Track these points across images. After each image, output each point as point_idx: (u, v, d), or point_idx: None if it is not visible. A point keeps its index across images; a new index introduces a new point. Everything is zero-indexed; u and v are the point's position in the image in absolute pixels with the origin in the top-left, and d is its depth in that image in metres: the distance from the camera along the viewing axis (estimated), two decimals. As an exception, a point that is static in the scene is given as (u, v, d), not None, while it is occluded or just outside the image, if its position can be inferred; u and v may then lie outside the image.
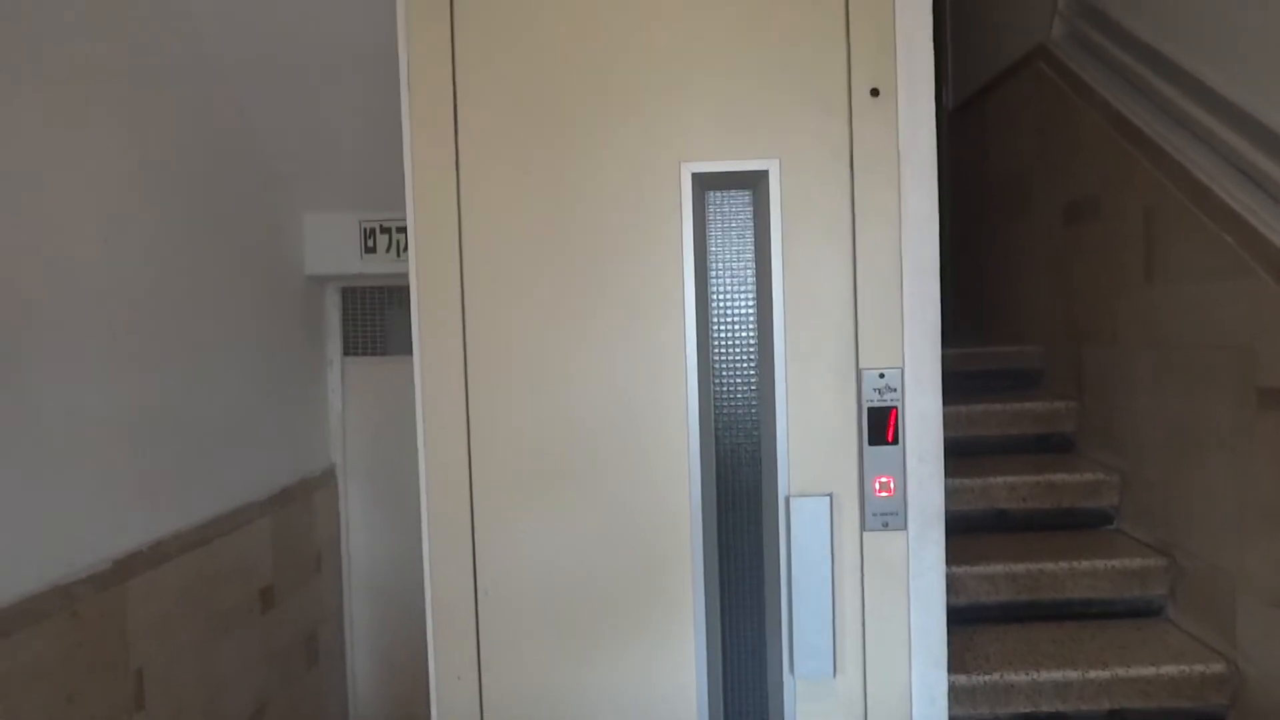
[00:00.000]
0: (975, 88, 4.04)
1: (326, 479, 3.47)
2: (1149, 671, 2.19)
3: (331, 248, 3.33)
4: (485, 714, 1.68)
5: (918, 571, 1.60)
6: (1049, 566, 2.46)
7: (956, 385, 2.85)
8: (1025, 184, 3.44)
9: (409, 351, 1.68)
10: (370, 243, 3.31)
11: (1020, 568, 2.46)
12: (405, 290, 3.52)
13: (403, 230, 3.30)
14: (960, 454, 2.87)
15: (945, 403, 1.63)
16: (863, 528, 1.61)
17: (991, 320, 3.84)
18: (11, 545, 1.84)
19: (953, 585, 2.41)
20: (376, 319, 3.58)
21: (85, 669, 2.02)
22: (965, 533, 2.68)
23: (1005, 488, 2.72)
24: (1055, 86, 3.09)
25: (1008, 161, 3.65)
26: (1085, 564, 2.45)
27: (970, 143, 4.13)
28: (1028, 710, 2.21)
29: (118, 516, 2.18)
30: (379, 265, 3.33)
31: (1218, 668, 2.17)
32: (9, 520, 1.83)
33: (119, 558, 2.14)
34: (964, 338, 3.72)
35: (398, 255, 3.30)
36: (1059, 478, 2.71)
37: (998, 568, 2.47)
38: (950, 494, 2.30)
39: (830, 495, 1.61)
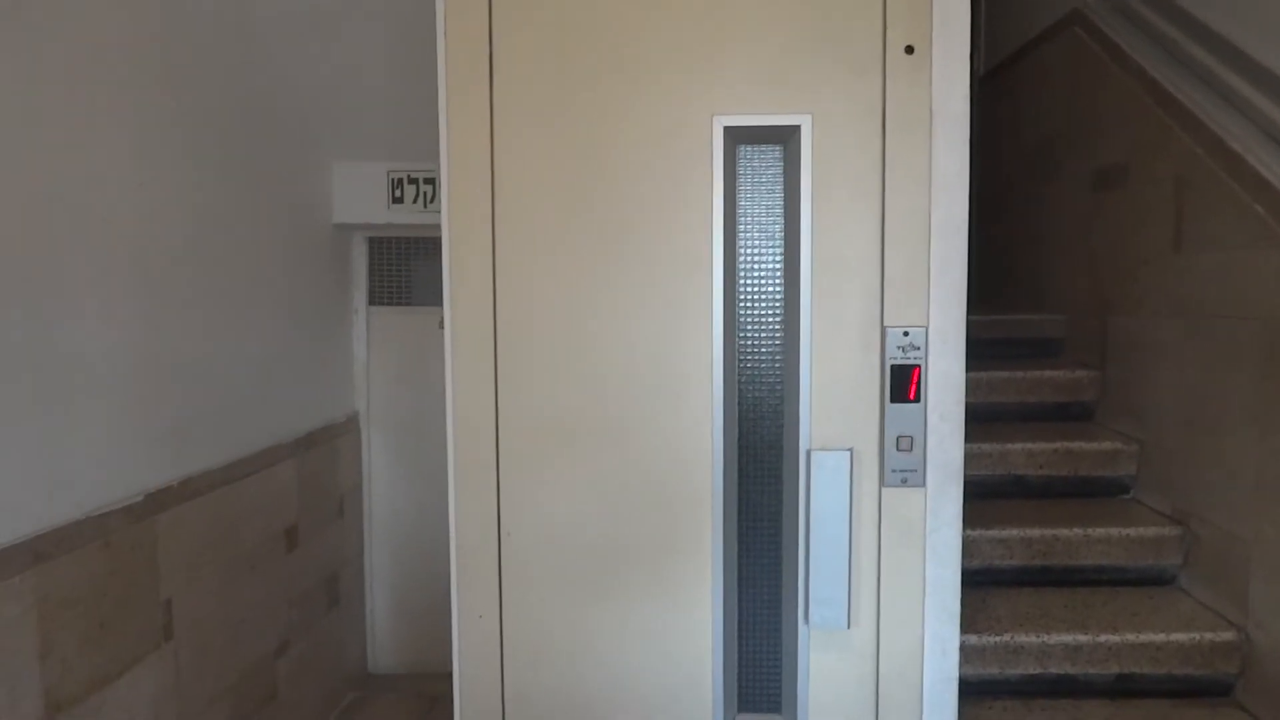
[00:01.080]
0: (1006, 53, 3.99)
1: (350, 426, 3.52)
2: (1159, 638, 2.22)
3: (359, 197, 3.35)
4: (505, 652, 1.72)
5: (934, 527, 1.62)
6: (1064, 533, 2.48)
7: (978, 352, 2.86)
8: (1054, 151, 3.41)
9: (434, 302, 1.70)
10: (398, 193, 3.33)
11: (1035, 533, 2.49)
12: (431, 241, 3.56)
13: (430, 181, 3.31)
14: (980, 420, 2.89)
15: (967, 368, 1.64)
16: (882, 483, 1.63)
17: (1015, 289, 3.83)
18: (50, 475, 1.89)
19: (967, 548, 2.43)
20: (402, 269, 3.61)
21: (117, 598, 2.08)
22: (982, 498, 2.70)
23: (1024, 454, 2.74)
24: (1089, 52, 3.06)
25: (1037, 128, 3.62)
26: (1100, 531, 2.47)
27: (1000, 109, 4.09)
28: (1036, 671, 2.24)
29: (150, 453, 2.23)
30: (406, 215, 3.34)
31: (1228, 636, 2.19)
32: (48, 452, 1.88)
33: (151, 491, 2.20)
34: (988, 305, 3.72)
35: (424, 206, 3.32)
36: (1077, 446, 2.73)
37: (1013, 532, 2.49)
38: (969, 459, 2.32)
39: (851, 450, 1.63)
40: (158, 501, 2.22)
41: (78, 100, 1.98)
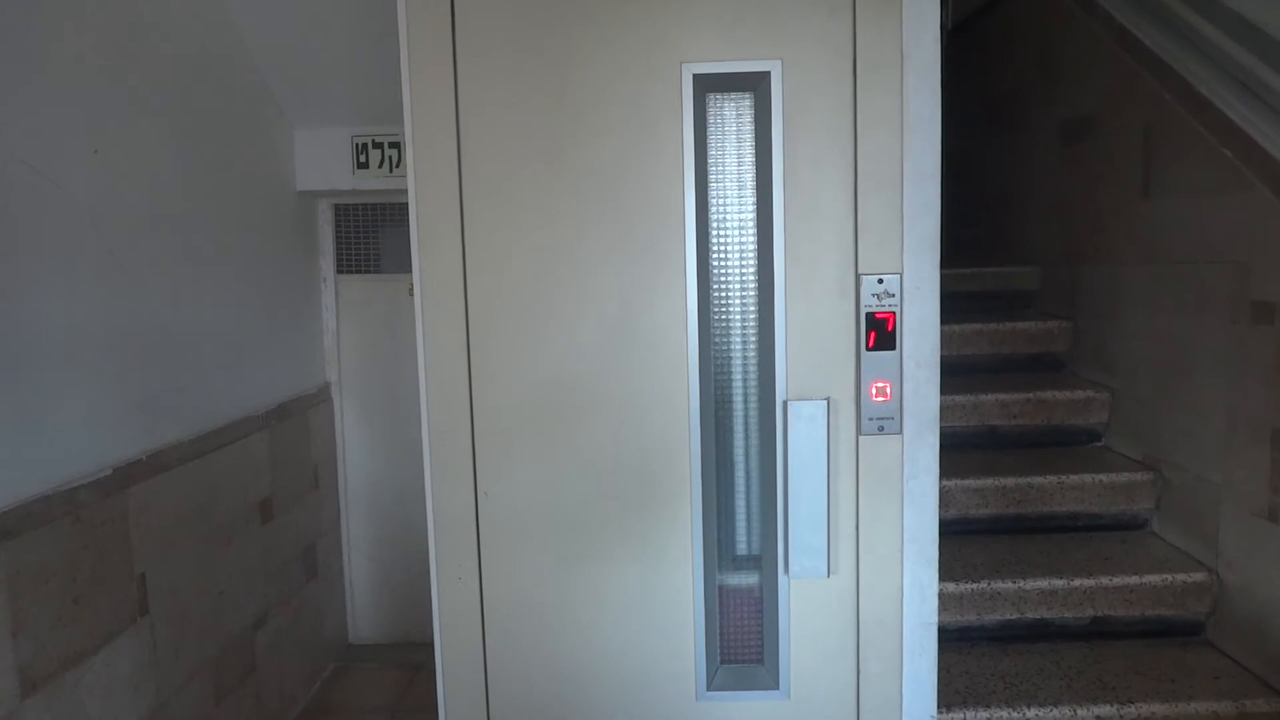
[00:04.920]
0: (975, 7, 3.98)
1: (322, 397, 3.48)
2: (1132, 580, 2.25)
3: (323, 163, 3.29)
4: (486, 615, 1.71)
5: (912, 474, 1.63)
6: (1038, 481, 2.51)
7: (951, 305, 2.85)
8: (1024, 104, 3.41)
9: (403, 270, 1.67)
10: (362, 158, 3.27)
11: (1010, 481, 2.51)
12: (398, 207, 3.51)
13: (395, 145, 3.26)
14: (953, 373, 2.90)
15: (939, 322, 1.63)
16: (859, 431, 1.63)
17: (988, 243, 3.84)
18: (14, 450, 1.85)
19: (943, 498, 2.44)
20: (370, 237, 3.55)
21: (90, 573, 2.05)
22: (957, 449, 2.72)
23: (997, 405, 2.75)
24: (1058, 2, 3.05)
25: (1007, 82, 3.61)
26: (1074, 478, 2.50)
27: (969, 64, 4.07)
28: (1013, 616, 2.27)
29: (117, 427, 2.18)
30: (371, 181, 3.29)
31: (1199, 577, 2.23)
32: (11, 426, 1.84)
33: (119, 465, 2.16)
34: (960, 260, 3.72)
35: (390, 171, 3.26)
36: (1049, 395, 2.75)
37: (988, 481, 2.51)
38: (942, 411, 2.33)
39: (828, 399, 1.62)
40: (127, 475, 2.18)
41: (24, 63, 1.92)
